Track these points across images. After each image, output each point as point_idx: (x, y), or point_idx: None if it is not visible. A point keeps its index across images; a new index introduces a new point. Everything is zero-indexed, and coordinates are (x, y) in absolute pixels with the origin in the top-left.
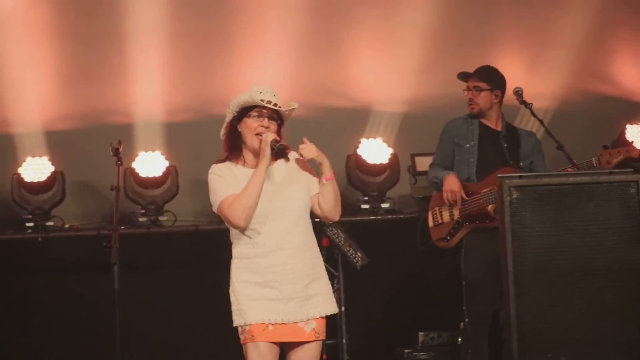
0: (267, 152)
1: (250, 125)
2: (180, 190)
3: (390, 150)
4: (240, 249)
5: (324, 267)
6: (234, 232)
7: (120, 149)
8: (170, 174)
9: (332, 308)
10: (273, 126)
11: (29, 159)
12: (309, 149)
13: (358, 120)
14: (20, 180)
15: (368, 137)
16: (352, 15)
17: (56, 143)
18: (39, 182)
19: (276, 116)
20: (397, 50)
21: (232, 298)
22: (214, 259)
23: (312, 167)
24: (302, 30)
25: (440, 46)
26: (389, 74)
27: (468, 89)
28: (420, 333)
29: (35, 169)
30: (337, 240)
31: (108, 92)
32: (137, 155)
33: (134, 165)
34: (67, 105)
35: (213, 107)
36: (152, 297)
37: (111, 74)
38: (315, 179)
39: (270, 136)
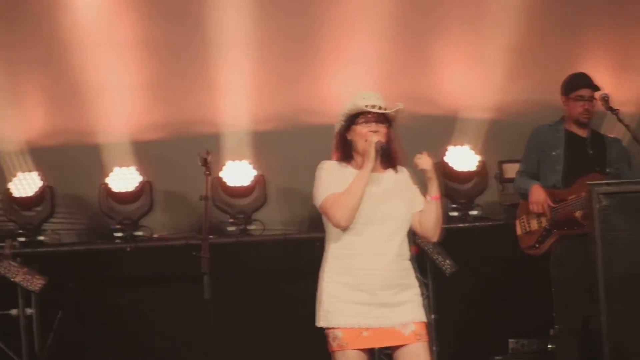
0: (372, 153)
1: (360, 132)
2: (268, 199)
3: (478, 158)
4: (337, 249)
5: (415, 279)
6: (332, 232)
7: (209, 159)
8: (258, 183)
9: (422, 316)
10: (382, 129)
11: (116, 169)
12: (425, 160)
13: (445, 127)
14: (108, 191)
15: (455, 145)
16: (439, 22)
17: (144, 153)
18: (127, 192)
19: (384, 119)
20: (485, 57)
21: (322, 298)
22: (303, 268)
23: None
24: (390, 38)
25: (527, 53)
26: (476, 81)
27: (583, 98)
28: (511, 340)
29: (123, 179)
30: (426, 248)
31: (195, 102)
32: (224, 164)
33: (221, 174)
34: (154, 115)
35: (300, 116)
36: (240, 306)
37: (198, 84)
38: (421, 197)
39: (375, 138)
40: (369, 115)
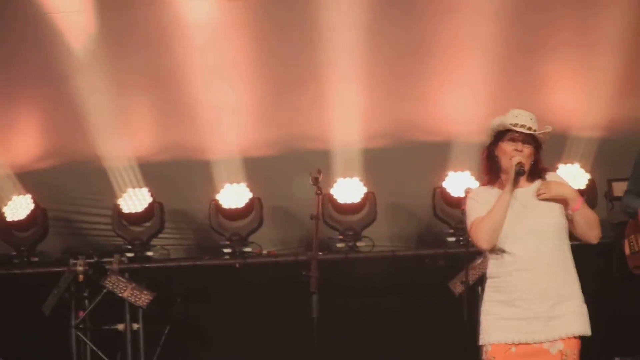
0: (512, 175)
1: (505, 149)
2: (377, 215)
3: (588, 176)
4: (491, 268)
5: (579, 289)
6: (488, 253)
7: (320, 178)
8: (368, 200)
9: (581, 328)
10: (527, 150)
11: (227, 186)
12: (547, 190)
13: (556, 145)
14: (218, 207)
15: (566, 163)
16: (548, 41)
17: (254, 169)
18: (236, 209)
19: (531, 140)
20: (594, 75)
21: (481, 317)
22: (412, 284)
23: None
24: (499, 58)
25: (637, 70)
26: (586, 99)
27: None
28: (616, 358)
29: (234, 195)
30: None
31: (305, 119)
32: (335, 181)
33: (332, 191)
34: (264, 132)
35: (410, 133)
36: (347, 324)
37: (308, 101)
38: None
39: (517, 158)
40: (516, 135)
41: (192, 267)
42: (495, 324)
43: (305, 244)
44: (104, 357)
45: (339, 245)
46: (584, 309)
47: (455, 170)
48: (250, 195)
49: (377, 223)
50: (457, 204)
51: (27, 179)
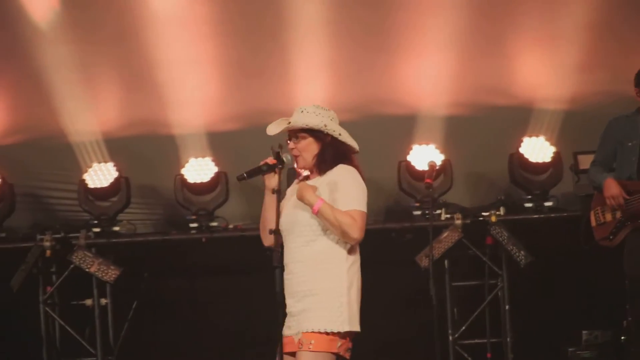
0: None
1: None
2: None
3: (553, 149)
4: None
5: (335, 285)
6: None
7: (282, 153)
8: None
9: (318, 324)
10: (301, 145)
11: (192, 160)
12: (298, 192)
13: (520, 118)
14: (183, 181)
15: (531, 136)
16: (515, 12)
17: (219, 144)
18: (202, 183)
19: (305, 134)
20: (560, 48)
21: None
22: (378, 258)
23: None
24: (465, 28)
25: (602, 44)
26: (551, 72)
27: None
28: (584, 332)
29: (199, 170)
30: (500, 238)
31: (271, 92)
32: None
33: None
34: (229, 106)
35: (375, 106)
36: None
37: (274, 74)
38: (344, 197)
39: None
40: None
41: (159, 242)
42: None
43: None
44: (73, 332)
45: None
46: (331, 304)
47: (420, 144)
48: (216, 169)
49: None
50: (422, 177)
51: None
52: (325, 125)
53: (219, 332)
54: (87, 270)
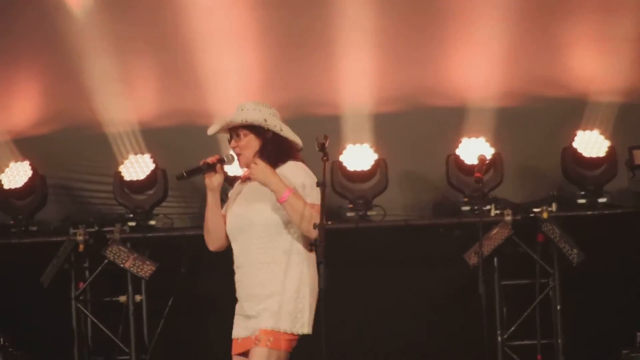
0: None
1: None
2: (389, 183)
3: (607, 143)
4: None
5: (288, 285)
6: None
7: (327, 144)
8: (379, 167)
9: (278, 324)
10: (242, 142)
11: (231, 152)
12: (255, 171)
13: (574, 111)
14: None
15: (585, 130)
16: (568, 3)
17: None
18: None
19: (245, 130)
20: (616, 40)
21: None
22: (426, 255)
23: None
24: (517, 17)
25: None
26: (607, 63)
27: None
28: (639, 333)
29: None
30: (552, 236)
31: (314, 84)
32: (344, 147)
33: (341, 158)
34: (273, 97)
35: (423, 98)
36: (357, 295)
37: (317, 65)
38: (302, 190)
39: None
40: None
41: (196, 236)
42: (235, 319)
43: None
44: (106, 330)
45: (349, 214)
46: (289, 305)
47: (469, 137)
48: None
49: (389, 191)
50: (472, 171)
51: (26, 145)
52: (265, 120)
53: None
54: (121, 265)
